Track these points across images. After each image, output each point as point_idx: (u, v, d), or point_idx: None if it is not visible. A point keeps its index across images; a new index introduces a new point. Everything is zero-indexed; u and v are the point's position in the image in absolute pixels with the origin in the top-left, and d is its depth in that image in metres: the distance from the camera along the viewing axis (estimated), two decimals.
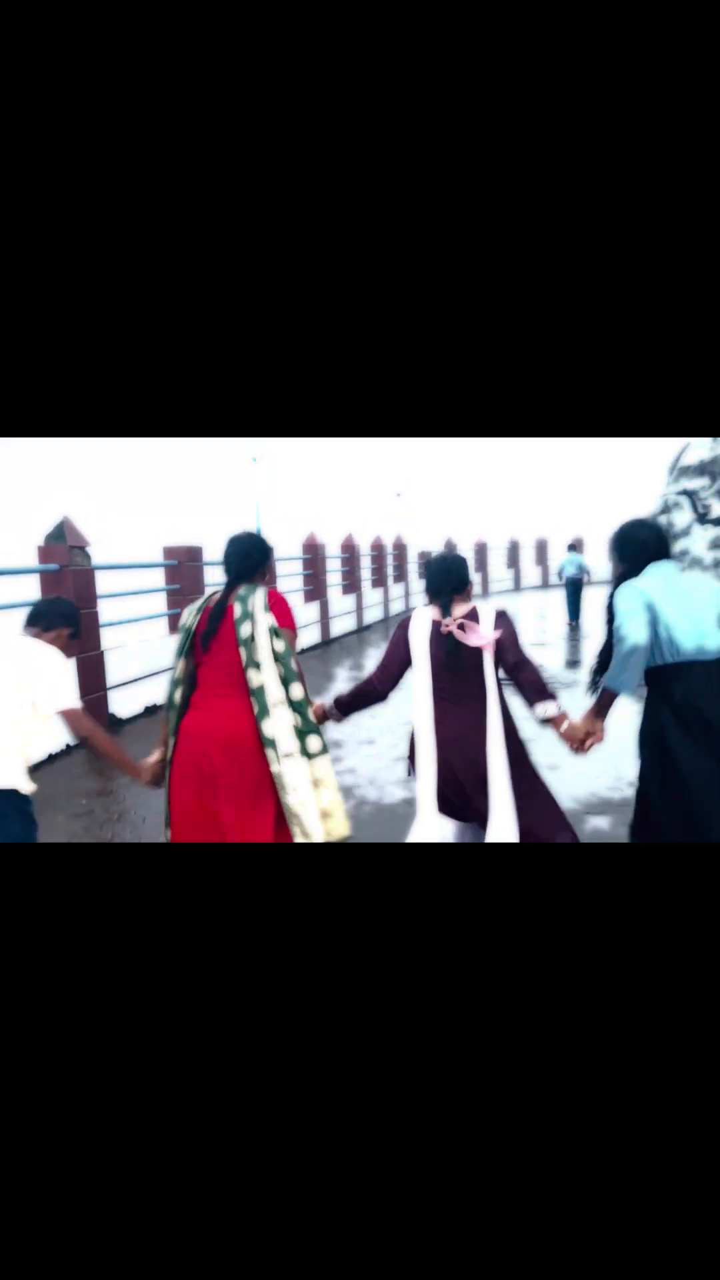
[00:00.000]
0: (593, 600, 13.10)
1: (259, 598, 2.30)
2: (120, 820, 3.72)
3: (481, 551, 21.09)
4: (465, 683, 2.33)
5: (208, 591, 2.45)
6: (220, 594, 2.37)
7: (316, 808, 2.12)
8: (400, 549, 17.06)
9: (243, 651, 2.20)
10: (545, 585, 21.57)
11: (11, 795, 2.14)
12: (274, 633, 2.23)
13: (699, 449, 12.25)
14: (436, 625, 2.43)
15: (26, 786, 2.17)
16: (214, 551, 6.77)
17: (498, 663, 2.40)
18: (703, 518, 11.38)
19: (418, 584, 16.87)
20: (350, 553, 14.10)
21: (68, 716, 2.23)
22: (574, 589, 12.45)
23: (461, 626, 2.30)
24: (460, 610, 2.47)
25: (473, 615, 2.47)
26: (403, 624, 2.52)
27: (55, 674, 2.22)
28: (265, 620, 2.26)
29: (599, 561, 20.18)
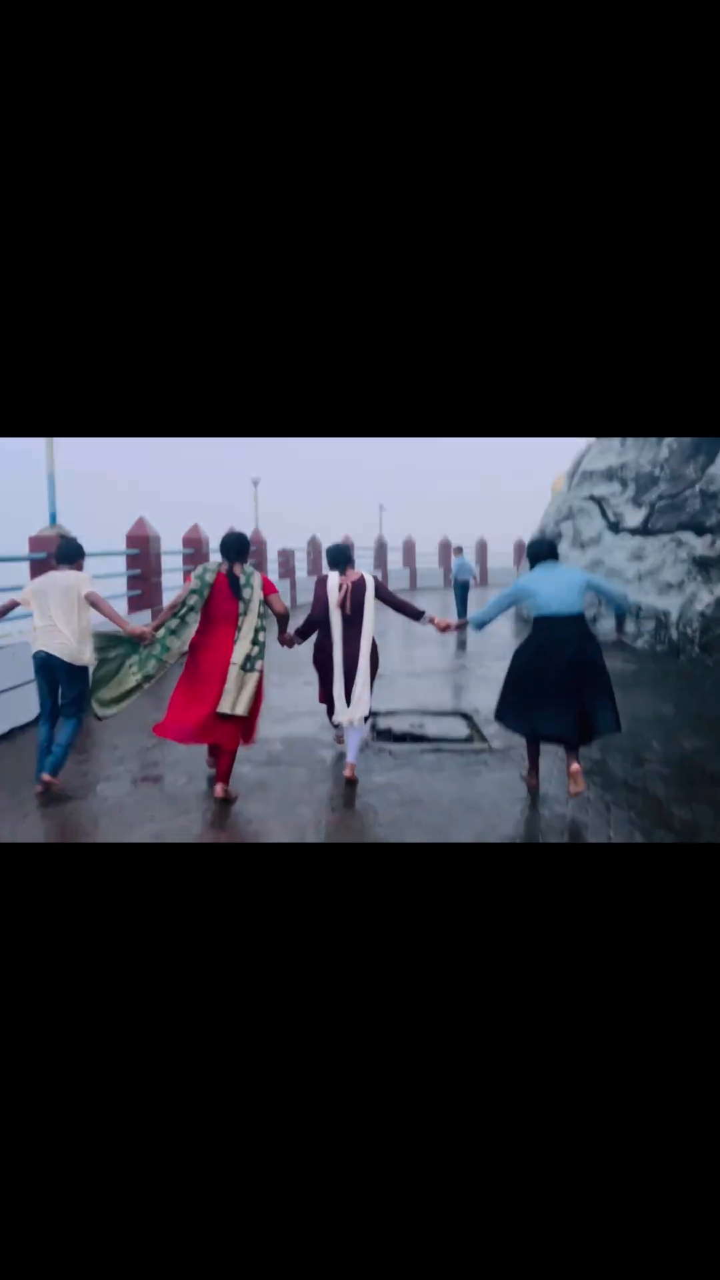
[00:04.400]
0: (476, 600, 12.19)
1: (258, 578, 3.89)
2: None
3: (350, 548, 19.28)
4: (354, 616, 4.05)
5: (214, 562, 3.91)
6: (225, 566, 3.84)
7: (238, 696, 3.67)
8: (259, 544, 14.53)
9: (241, 605, 3.77)
10: (412, 587, 20.22)
11: (82, 670, 3.92)
12: (262, 602, 3.85)
13: (605, 454, 11.19)
14: (339, 585, 4.06)
15: (88, 660, 3.87)
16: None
17: (388, 604, 4.19)
18: (615, 526, 10.28)
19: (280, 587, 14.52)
20: (196, 547, 10.90)
21: (89, 596, 3.90)
22: (462, 590, 12.40)
23: (349, 594, 4.07)
24: (352, 576, 4.10)
25: (361, 580, 4.09)
26: (321, 581, 4.14)
27: (88, 579, 4.01)
28: (259, 593, 3.84)
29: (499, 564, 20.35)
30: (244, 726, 3.77)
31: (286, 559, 16.34)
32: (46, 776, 3.83)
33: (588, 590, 3.73)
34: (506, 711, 3.89)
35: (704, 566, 8.17)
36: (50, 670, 3.84)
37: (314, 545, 17.60)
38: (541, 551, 3.85)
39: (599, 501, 10.67)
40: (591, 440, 11.78)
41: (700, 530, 8.43)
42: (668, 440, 9.57)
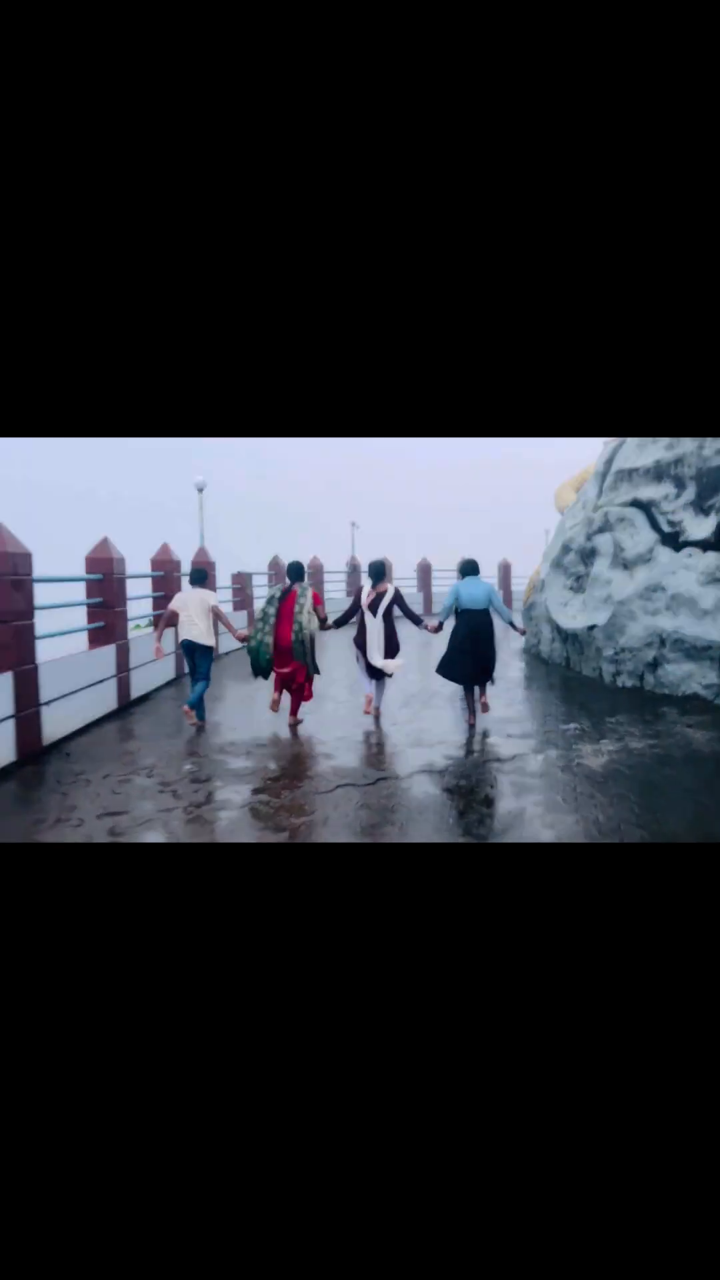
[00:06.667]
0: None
1: (309, 595, 6.41)
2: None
3: (317, 572, 17.06)
4: (377, 613, 6.56)
5: (282, 585, 6.56)
6: (289, 586, 6.50)
7: (305, 654, 6.32)
8: (206, 566, 11.53)
9: (297, 608, 6.34)
10: None
11: (209, 649, 6.71)
12: (312, 609, 6.41)
13: (650, 446, 9.07)
14: (368, 593, 6.64)
15: (213, 643, 6.71)
16: None
17: (400, 610, 6.67)
18: (674, 539, 8.15)
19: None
20: (106, 570, 7.46)
21: (214, 609, 6.66)
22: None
23: (375, 602, 6.62)
24: (383, 586, 6.58)
25: (384, 590, 6.56)
26: (357, 591, 6.76)
27: (214, 595, 6.82)
28: (309, 605, 6.38)
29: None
30: (306, 681, 6.46)
31: (242, 584, 13.79)
32: (185, 708, 6.61)
33: (490, 598, 6.33)
34: (450, 670, 6.35)
35: None
36: (190, 651, 6.64)
37: (276, 567, 15.21)
38: (466, 570, 6.42)
39: (646, 508, 8.50)
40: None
41: None
42: None
